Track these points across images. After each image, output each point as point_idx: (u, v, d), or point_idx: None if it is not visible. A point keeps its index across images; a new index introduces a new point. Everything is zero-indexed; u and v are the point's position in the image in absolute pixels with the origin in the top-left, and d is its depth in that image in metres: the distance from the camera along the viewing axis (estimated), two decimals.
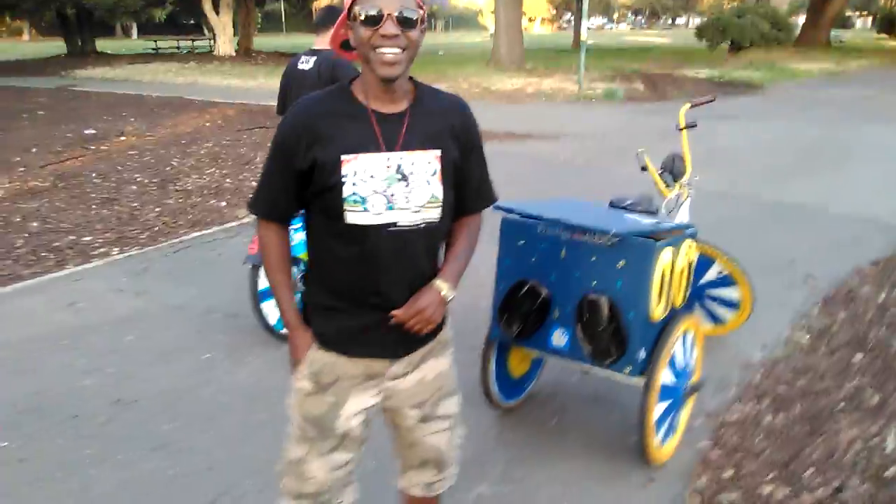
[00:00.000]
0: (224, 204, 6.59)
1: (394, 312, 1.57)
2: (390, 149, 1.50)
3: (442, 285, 1.61)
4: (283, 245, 1.64)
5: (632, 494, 2.55)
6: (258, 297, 3.62)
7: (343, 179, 1.47)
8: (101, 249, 5.31)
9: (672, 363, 2.57)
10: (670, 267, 2.46)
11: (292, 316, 1.65)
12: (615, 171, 7.66)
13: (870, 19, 69.26)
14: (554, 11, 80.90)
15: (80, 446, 2.84)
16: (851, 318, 3.97)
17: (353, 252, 1.53)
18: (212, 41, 29.59)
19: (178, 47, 32.13)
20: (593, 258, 2.45)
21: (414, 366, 1.69)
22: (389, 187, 1.49)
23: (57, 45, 32.62)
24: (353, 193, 1.47)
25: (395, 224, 1.50)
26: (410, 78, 1.57)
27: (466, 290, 4.37)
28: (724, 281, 3.53)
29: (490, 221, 2.69)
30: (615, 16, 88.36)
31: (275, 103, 4.06)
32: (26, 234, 5.60)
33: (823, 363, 3.47)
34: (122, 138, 9.86)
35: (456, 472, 1.88)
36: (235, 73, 20.23)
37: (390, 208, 1.49)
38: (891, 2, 39.64)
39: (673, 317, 2.56)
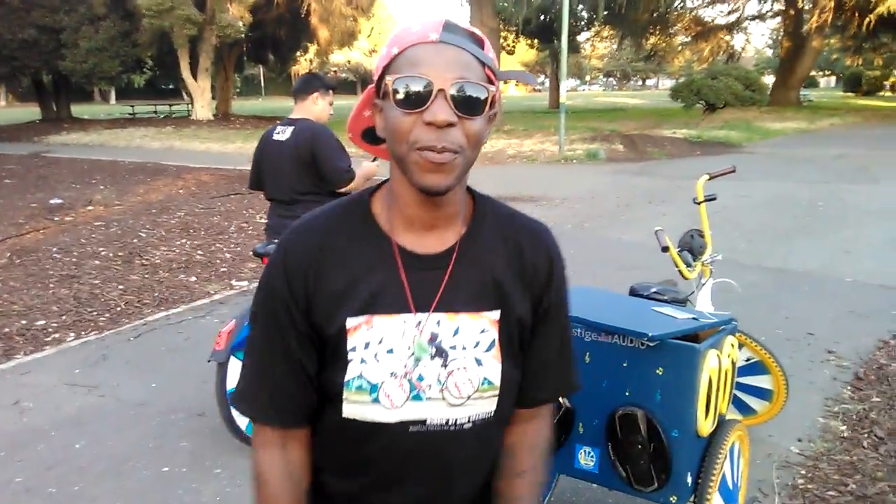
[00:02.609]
0: (194, 279, 6.14)
1: None
2: (422, 309, 0.97)
3: None
4: (290, 467, 1.03)
5: None
6: (227, 398, 3.16)
7: (350, 357, 0.96)
8: (55, 335, 4.81)
9: (722, 484, 2.15)
10: (717, 372, 2.07)
11: None
12: (609, 238, 7.39)
13: (833, 78, 71.91)
14: None
15: None
16: (888, 403, 3.60)
17: (352, 458, 1.02)
18: (190, 106, 29.53)
19: (155, 112, 32.01)
20: (624, 364, 2.06)
21: None
22: (416, 367, 0.97)
23: (32, 111, 32.36)
24: (360, 376, 0.96)
25: (422, 422, 0.98)
26: (469, 190, 1.04)
27: None
28: (753, 368, 3.15)
29: None
30: (587, 78, 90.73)
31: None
32: None
33: (871, 460, 3.08)
34: (90, 208, 9.42)
35: None
36: (213, 138, 20.02)
37: (417, 398, 0.97)
38: (857, 61, 40.99)
39: (720, 428, 2.17)
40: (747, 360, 3.15)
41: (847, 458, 3.09)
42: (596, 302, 2.31)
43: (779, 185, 10.68)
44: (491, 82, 0.93)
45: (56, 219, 8.73)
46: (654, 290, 2.56)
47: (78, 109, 32.35)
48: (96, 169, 13.86)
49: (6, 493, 2.96)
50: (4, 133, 23.74)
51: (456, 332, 0.98)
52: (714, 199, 3.18)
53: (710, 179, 3.19)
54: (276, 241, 3.72)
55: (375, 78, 0.96)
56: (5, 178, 12.64)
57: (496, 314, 1.00)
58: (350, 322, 0.96)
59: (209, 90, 28.00)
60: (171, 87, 51.71)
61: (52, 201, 9.88)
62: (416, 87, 0.88)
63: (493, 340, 1.00)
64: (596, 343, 2.10)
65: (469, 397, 0.98)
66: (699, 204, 3.13)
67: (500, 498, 1.11)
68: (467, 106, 0.89)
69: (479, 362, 0.99)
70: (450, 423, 0.99)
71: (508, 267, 1.03)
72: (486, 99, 0.91)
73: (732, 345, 2.26)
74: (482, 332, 0.99)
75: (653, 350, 2.01)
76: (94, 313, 5.24)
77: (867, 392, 3.71)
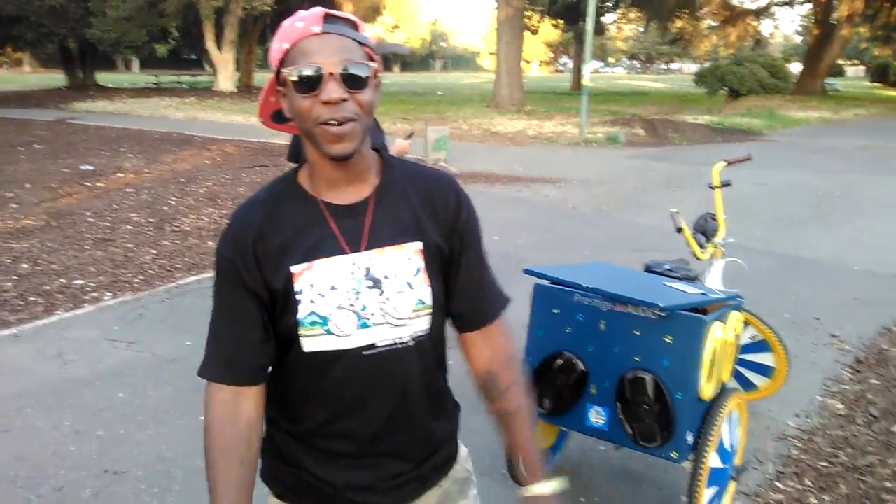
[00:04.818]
0: None
1: None
2: (355, 249, 1.16)
3: (537, 488, 1.25)
4: (240, 419, 1.17)
5: None
6: None
7: (298, 297, 1.14)
8: (93, 294, 5.07)
9: (720, 445, 2.34)
10: (721, 343, 2.25)
11: None
12: (626, 220, 7.53)
13: (861, 68, 70.69)
14: (551, 55, 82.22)
15: None
16: (885, 385, 3.76)
17: (321, 388, 1.19)
18: (213, 77, 29.74)
19: (179, 82, 32.28)
20: (636, 332, 2.24)
21: None
22: (358, 299, 1.15)
23: (58, 78, 32.72)
24: (311, 313, 1.14)
25: (372, 346, 1.17)
26: (376, 150, 1.25)
27: None
28: (758, 346, 3.32)
29: (523, 285, 2.52)
30: (611, 60, 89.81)
31: (276, 141, 3.89)
32: (15, 277, 5.36)
33: (863, 435, 3.25)
34: (120, 175, 9.68)
35: None
36: (236, 110, 20.21)
37: (364, 326, 1.16)
38: (885, 52, 40.34)
39: (721, 395, 2.35)
40: (752, 337, 3.32)
41: (841, 433, 3.27)
42: (612, 275, 2.49)
43: (797, 174, 10.73)
44: (371, 59, 1.13)
45: (88, 184, 9.00)
46: (667, 267, 2.73)
47: (102, 77, 32.68)
48: (123, 137, 14.13)
49: (57, 433, 3.21)
50: (31, 99, 24.10)
51: (386, 264, 1.17)
52: (729, 184, 3.32)
53: (726, 166, 3.34)
54: None
55: (274, 70, 1.15)
56: (35, 144, 12.93)
57: (418, 244, 1.20)
58: (294, 269, 1.15)
59: (233, 62, 28.17)
60: (193, 57, 51.94)
61: (83, 167, 10.15)
62: (309, 72, 1.07)
63: (419, 267, 1.19)
64: (611, 312, 2.28)
65: (408, 317, 1.18)
66: (714, 189, 3.28)
67: (499, 416, 1.29)
68: (354, 82, 1.09)
69: (410, 286, 1.18)
70: (396, 342, 1.18)
71: (421, 206, 1.22)
72: (369, 75, 1.11)
73: (737, 319, 2.43)
74: (408, 259, 1.19)
75: (663, 320, 2.19)
76: (129, 275, 5.49)
77: (866, 374, 3.88)
